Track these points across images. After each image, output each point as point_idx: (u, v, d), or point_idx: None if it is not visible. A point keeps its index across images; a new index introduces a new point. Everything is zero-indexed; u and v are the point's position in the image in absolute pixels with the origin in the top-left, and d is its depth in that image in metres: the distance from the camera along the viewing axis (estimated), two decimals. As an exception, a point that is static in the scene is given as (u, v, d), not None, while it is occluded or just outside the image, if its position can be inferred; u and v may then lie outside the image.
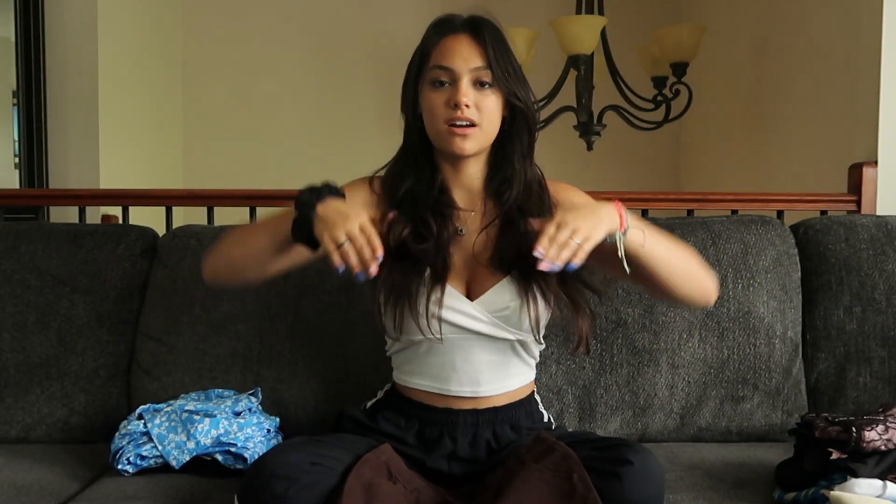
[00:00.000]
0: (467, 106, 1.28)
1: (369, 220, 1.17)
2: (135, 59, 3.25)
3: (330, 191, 1.23)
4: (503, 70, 1.30)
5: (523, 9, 3.57)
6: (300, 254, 1.27)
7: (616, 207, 1.21)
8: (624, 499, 1.13)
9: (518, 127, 1.35)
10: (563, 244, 1.14)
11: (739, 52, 3.16)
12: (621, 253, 1.20)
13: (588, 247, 1.15)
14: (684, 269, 1.30)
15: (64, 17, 2.84)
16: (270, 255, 1.29)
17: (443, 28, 1.33)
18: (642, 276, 1.28)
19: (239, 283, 1.39)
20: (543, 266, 1.13)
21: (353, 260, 1.14)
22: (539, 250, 1.13)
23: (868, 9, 2.09)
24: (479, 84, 1.30)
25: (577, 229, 1.15)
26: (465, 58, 1.29)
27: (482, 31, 1.31)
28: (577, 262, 1.15)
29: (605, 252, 1.20)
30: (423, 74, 1.32)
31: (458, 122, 1.28)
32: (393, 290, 1.29)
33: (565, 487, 1.12)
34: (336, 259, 1.14)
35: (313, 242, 1.20)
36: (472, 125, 1.29)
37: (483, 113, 1.30)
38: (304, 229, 1.20)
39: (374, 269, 1.14)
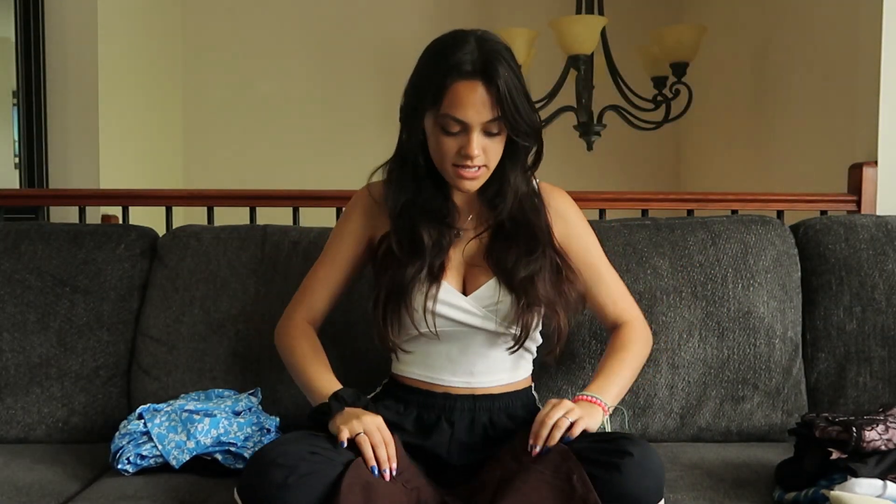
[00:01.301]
0: (477, 155, 1.30)
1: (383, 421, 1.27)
2: (135, 59, 3.25)
3: (354, 400, 1.31)
4: (514, 118, 1.29)
5: (523, 9, 3.58)
6: None
7: (596, 406, 1.34)
8: (624, 490, 1.13)
9: (517, 147, 1.35)
10: (554, 424, 1.25)
11: (739, 52, 3.15)
12: (608, 427, 1.38)
13: (580, 426, 1.25)
14: (636, 373, 1.48)
15: (64, 17, 2.84)
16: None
17: (455, 69, 1.27)
18: None
19: None
20: (535, 451, 1.24)
21: (368, 450, 1.20)
22: (532, 445, 1.25)
23: (868, 9, 2.09)
24: (489, 134, 1.31)
25: (570, 410, 1.26)
26: (478, 110, 1.27)
27: (495, 76, 1.26)
28: (574, 433, 1.25)
29: None
30: (432, 111, 1.30)
31: (467, 168, 1.31)
32: (391, 288, 1.34)
33: (565, 488, 1.13)
34: (343, 437, 1.22)
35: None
36: (479, 168, 1.32)
37: (490, 155, 1.32)
38: (321, 423, 1.30)
39: (386, 475, 1.21)
